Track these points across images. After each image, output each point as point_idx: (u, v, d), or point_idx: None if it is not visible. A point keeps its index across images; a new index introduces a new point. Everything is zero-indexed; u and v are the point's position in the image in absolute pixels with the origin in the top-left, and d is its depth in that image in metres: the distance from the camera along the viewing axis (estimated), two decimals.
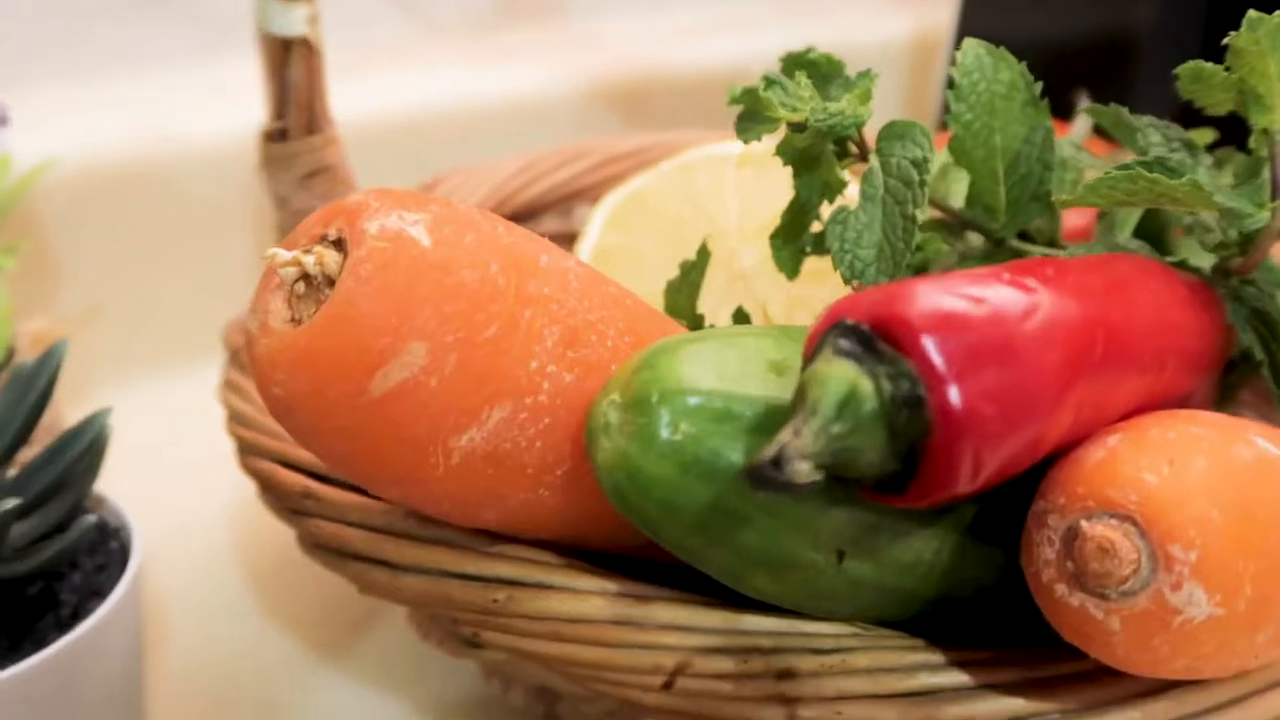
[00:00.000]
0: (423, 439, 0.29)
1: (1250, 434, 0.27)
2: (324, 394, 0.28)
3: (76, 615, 0.36)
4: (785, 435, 0.23)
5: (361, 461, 0.30)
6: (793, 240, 0.38)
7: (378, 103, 0.68)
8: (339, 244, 0.29)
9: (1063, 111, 0.50)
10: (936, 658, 0.30)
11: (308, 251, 0.29)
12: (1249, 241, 0.32)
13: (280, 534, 0.54)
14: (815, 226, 0.38)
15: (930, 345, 0.24)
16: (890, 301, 0.25)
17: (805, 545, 0.28)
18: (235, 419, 0.40)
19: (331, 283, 0.28)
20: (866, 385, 0.25)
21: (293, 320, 0.29)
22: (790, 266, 0.38)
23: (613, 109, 0.78)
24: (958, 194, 0.41)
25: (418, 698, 0.44)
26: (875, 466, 0.25)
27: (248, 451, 0.39)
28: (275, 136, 0.48)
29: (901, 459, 0.25)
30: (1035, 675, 0.30)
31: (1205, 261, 0.34)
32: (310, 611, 0.49)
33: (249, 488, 0.56)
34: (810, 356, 0.26)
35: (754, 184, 0.47)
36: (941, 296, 0.25)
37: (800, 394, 0.25)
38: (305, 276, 0.29)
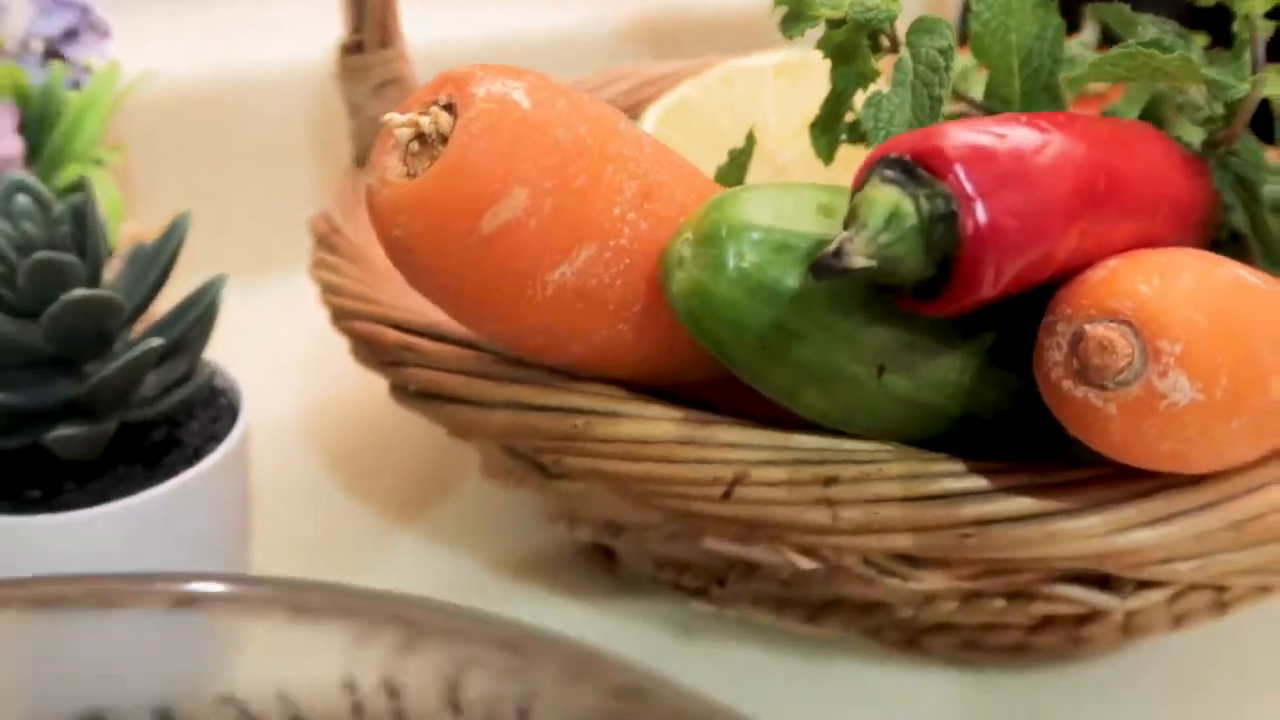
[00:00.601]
0: (523, 273, 0.34)
1: (1230, 265, 0.32)
2: (440, 233, 0.33)
3: (198, 454, 0.41)
4: (843, 237, 0.29)
5: (469, 297, 0.35)
6: (830, 129, 0.42)
7: (424, 38, 0.73)
8: (449, 108, 0.34)
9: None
10: (959, 467, 0.35)
11: (423, 113, 0.34)
12: (1232, 113, 0.37)
13: (350, 424, 0.59)
14: (849, 117, 0.43)
15: (962, 171, 0.29)
16: (928, 137, 0.30)
17: (851, 360, 0.33)
18: (328, 290, 0.45)
19: (444, 140, 0.33)
20: (908, 204, 0.30)
21: (408, 175, 0.34)
22: (827, 153, 0.43)
23: (644, 46, 0.82)
24: (976, 93, 0.46)
25: (489, 554, 0.49)
26: (914, 274, 0.30)
27: (342, 316, 0.44)
28: (352, 49, 0.53)
29: (937, 267, 0.30)
30: (1044, 481, 0.34)
31: (1195, 138, 0.39)
32: (385, 488, 0.54)
33: (321, 385, 0.61)
34: (859, 186, 0.31)
35: (790, 91, 0.52)
36: (970, 133, 0.30)
37: (852, 212, 0.30)
38: (419, 136, 0.34)
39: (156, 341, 0.38)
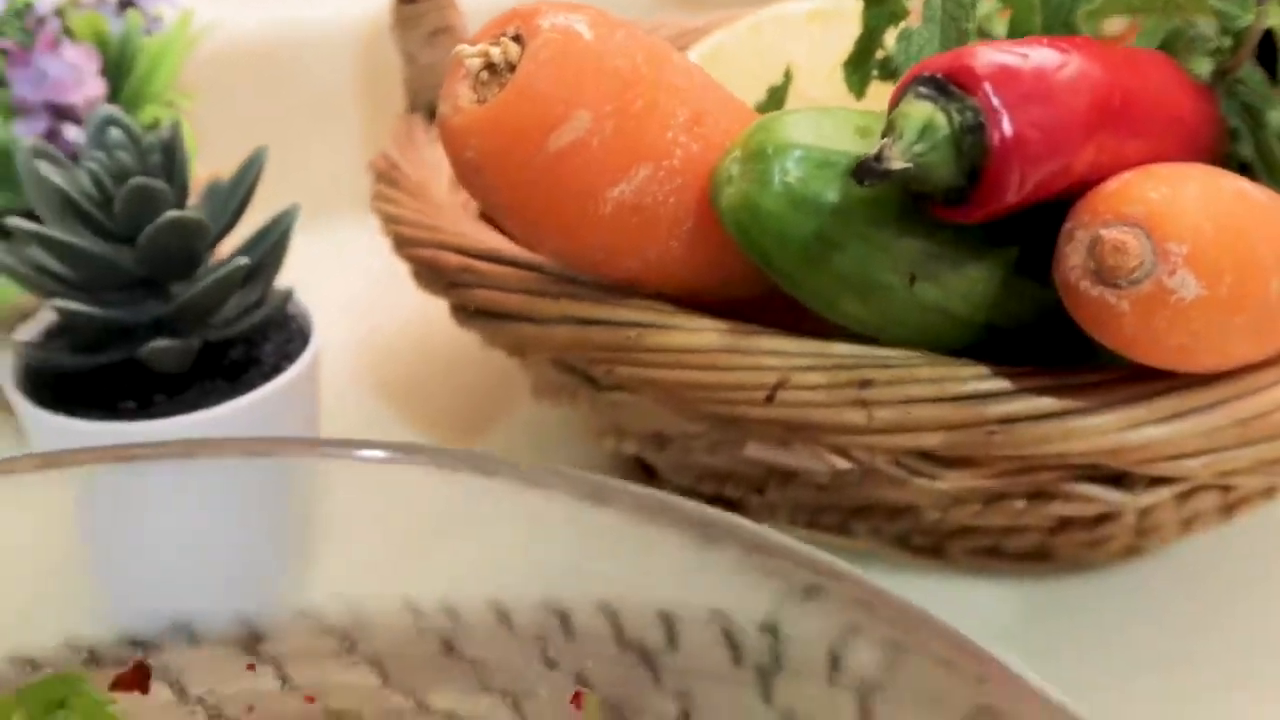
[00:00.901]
0: (584, 191, 0.37)
1: (1234, 178, 0.35)
2: (509, 154, 0.36)
3: (275, 371, 0.44)
4: (883, 143, 0.32)
5: (534, 214, 0.38)
6: (862, 65, 0.45)
7: None
8: (516, 39, 0.37)
9: None
10: (985, 370, 0.38)
11: (493, 44, 0.37)
12: (1238, 43, 0.40)
13: (404, 358, 0.62)
14: (880, 54, 0.45)
15: (990, 87, 0.32)
16: (959, 57, 0.33)
17: (886, 269, 0.36)
18: (390, 220, 0.48)
19: (511, 69, 0.36)
20: (941, 118, 0.33)
21: (478, 101, 0.37)
22: (859, 88, 0.46)
23: (676, 2, 0.85)
24: (1000, 34, 0.48)
25: None
26: (946, 181, 0.33)
27: (404, 244, 0.47)
28: None
29: (966, 176, 0.33)
30: (1063, 383, 0.37)
31: (1205, 70, 0.42)
32: (438, 417, 0.57)
33: (375, 324, 0.64)
34: (895, 103, 0.34)
35: (822, 38, 0.54)
36: (997, 53, 0.33)
37: (890, 125, 0.33)
38: (489, 66, 0.37)
39: (243, 260, 0.41)
